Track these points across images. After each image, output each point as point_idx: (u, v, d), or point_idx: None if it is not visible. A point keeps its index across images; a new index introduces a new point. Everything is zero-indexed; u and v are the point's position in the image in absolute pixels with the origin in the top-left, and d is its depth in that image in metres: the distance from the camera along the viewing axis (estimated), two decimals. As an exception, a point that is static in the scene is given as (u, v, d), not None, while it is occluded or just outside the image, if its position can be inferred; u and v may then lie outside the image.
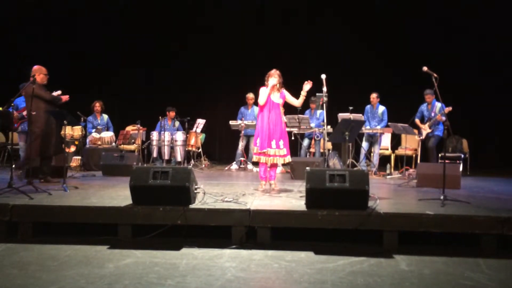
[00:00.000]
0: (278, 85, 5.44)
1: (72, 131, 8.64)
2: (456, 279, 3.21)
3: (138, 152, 8.95)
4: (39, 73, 6.06)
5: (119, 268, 3.32)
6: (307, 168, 4.26)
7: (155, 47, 10.90)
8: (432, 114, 7.86)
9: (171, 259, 3.55)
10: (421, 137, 8.02)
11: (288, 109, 6.71)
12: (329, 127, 7.67)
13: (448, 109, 7.30)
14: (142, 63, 10.78)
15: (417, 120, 8.03)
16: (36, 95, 5.83)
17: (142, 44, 10.83)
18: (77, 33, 10.72)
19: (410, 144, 8.83)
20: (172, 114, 9.52)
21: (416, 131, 8.00)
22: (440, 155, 7.87)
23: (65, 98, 6.36)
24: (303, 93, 5.45)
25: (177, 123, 9.59)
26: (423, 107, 8.04)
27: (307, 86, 5.39)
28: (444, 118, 7.41)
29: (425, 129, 7.90)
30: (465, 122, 9.34)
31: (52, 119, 6.11)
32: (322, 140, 8.55)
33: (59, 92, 6.97)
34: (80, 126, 8.62)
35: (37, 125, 5.97)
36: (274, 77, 5.42)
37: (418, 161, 8.17)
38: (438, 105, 7.75)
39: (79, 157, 8.40)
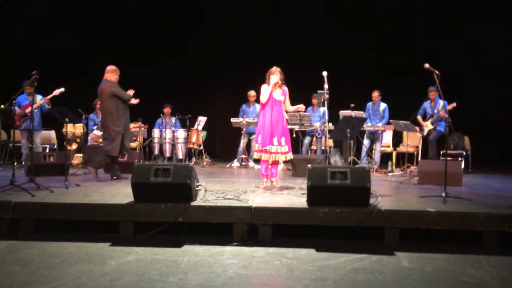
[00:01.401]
0: (279, 82, 5.44)
1: (74, 129, 8.66)
2: (458, 276, 3.21)
3: (140, 150, 8.96)
4: (115, 73, 6.23)
5: (121, 265, 3.33)
6: (309, 165, 4.27)
7: (156, 45, 10.88)
8: (435, 111, 7.82)
9: (173, 256, 3.56)
10: (423, 134, 8.00)
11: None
12: (330, 124, 7.67)
13: (452, 105, 7.29)
14: (143, 61, 10.77)
15: (419, 117, 8.00)
16: (115, 95, 6.00)
17: (143, 43, 10.81)
18: (78, 33, 10.72)
19: (412, 141, 8.81)
20: (167, 110, 9.52)
21: (417, 128, 7.98)
22: (441, 152, 7.86)
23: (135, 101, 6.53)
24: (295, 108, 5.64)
25: (175, 120, 9.60)
26: (426, 104, 8.01)
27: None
28: (446, 115, 7.39)
29: (427, 126, 7.88)
30: (466, 119, 9.31)
31: (127, 117, 6.24)
32: (323, 138, 8.54)
33: (62, 89, 7.00)
34: (81, 124, 8.64)
35: (118, 123, 6.06)
36: (275, 74, 5.42)
37: (420, 158, 8.16)
38: (441, 102, 7.71)
39: (81, 155, 8.42)
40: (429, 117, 7.91)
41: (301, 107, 5.64)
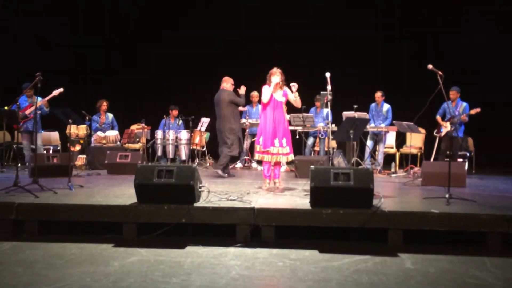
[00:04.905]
0: (280, 83, 5.44)
1: (77, 130, 8.67)
2: (461, 277, 3.20)
3: (143, 151, 8.96)
4: (229, 82, 7.07)
5: (124, 266, 3.33)
6: (312, 166, 4.26)
7: (158, 45, 10.90)
8: (456, 113, 7.65)
9: (176, 257, 3.56)
10: (440, 134, 7.79)
11: (292, 107, 6.69)
12: (333, 125, 7.65)
13: (476, 110, 7.15)
14: (147, 62, 10.80)
15: (438, 117, 7.78)
16: (233, 102, 6.90)
17: (146, 43, 10.84)
18: (80, 33, 10.78)
19: (415, 142, 8.77)
20: (175, 112, 9.50)
21: (424, 130, 7.85)
22: (448, 152, 7.78)
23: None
24: (294, 96, 5.48)
25: (180, 122, 9.59)
26: (446, 104, 7.85)
27: (294, 88, 5.40)
28: (467, 119, 7.28)
29: (446, 126, 7.69)
30: (470, 120, 9.27)
31: (240, 121, 7.12)
32: (326, 139, 8.52)
33: (60, 89, 7.01)
34: (85, 125, 8.65)
35: (235, 127, 6.91)
36: (276, 75, 5.42)
37: (423, 159, 8.12)
38: (464, 104, 7.52)
39: (84, 156, 8.43)
40: (449, 118, 7.69)
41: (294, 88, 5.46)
